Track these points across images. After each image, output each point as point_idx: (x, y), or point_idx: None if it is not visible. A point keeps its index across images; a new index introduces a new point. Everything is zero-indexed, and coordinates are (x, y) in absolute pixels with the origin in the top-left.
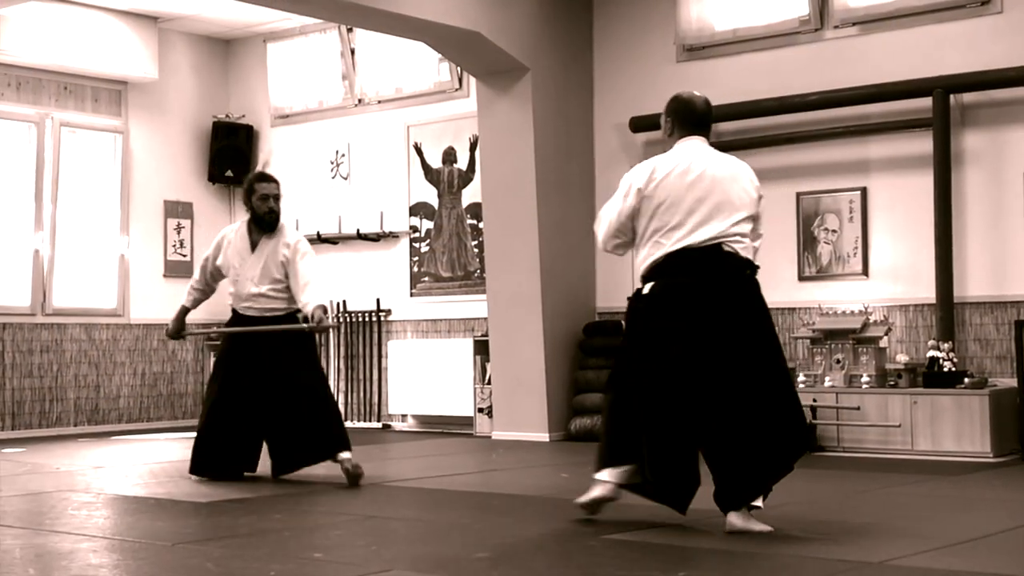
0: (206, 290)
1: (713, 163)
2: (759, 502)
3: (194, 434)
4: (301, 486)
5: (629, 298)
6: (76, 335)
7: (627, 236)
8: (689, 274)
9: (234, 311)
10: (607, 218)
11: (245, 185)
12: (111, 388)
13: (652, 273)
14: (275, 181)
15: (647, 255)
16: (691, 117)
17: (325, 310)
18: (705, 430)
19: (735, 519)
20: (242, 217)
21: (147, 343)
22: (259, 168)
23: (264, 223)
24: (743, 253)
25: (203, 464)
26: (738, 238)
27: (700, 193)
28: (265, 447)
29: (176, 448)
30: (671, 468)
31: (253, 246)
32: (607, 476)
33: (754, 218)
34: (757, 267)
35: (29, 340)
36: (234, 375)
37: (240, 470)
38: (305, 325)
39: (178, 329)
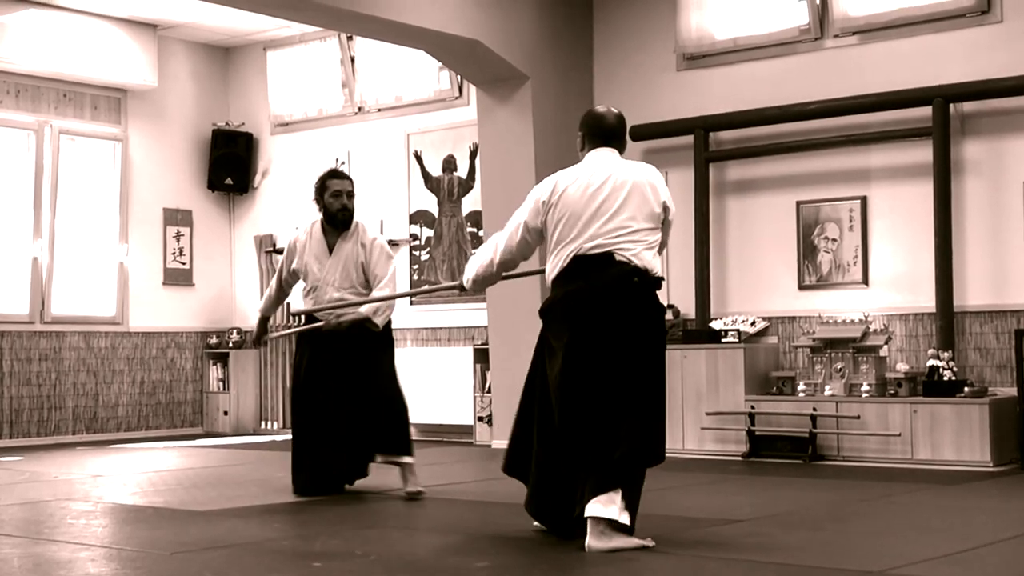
0: (281, 297)
1: (618, 172)
2: (623, 518)
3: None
4: (302, 495)
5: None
6: (75, 343)
7: (517, 254)
8: (579, 282)
9: (309, 316)
10: (499, 240)
11: (316, 183)
12: (110, 396)
13: (553, 284)
14: (348, 178)
15: (551, 267)
16: (600, 130)
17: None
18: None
19: (591, 540)
20: (305, 219)
21: (146, 351)
22: (259, 174)
23: (337, 221)
24: (635, 262)
25: (307, 483)
26: (630, 246)
27: (598, 203)
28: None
29: (175, 457)
30: (546, 487)
31: (330, 249)
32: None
33: (657, 228)
34: (654, 277)
35: (28, 348)
36: (318, 385)
37: (344, 482)
38: (323, 324)
39: (261, 335)
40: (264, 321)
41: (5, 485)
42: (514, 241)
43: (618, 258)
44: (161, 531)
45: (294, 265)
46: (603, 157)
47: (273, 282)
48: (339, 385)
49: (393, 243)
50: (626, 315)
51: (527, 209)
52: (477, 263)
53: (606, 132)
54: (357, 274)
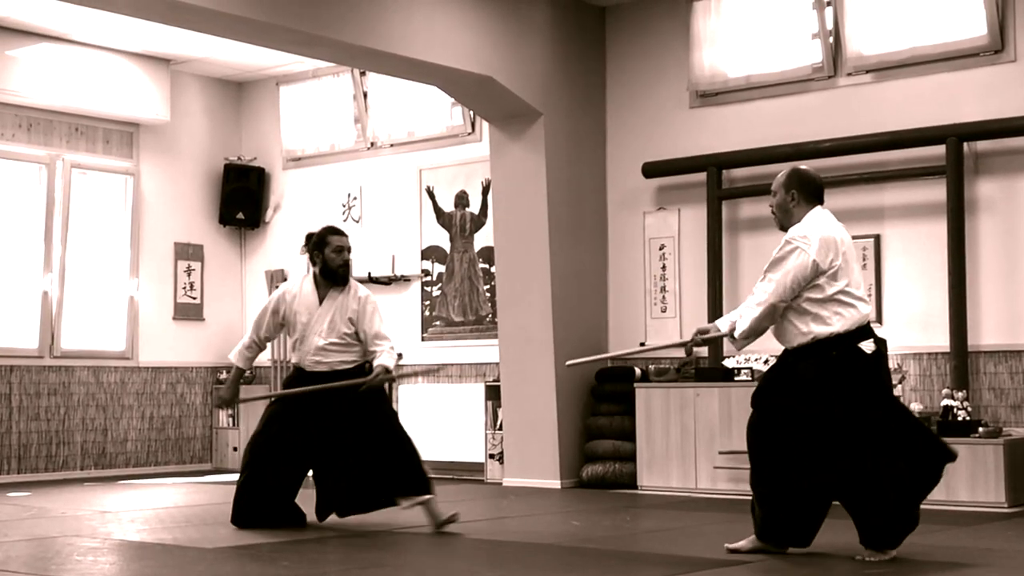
0: (260, 348)
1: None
2: None
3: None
4: (311, 532)
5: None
6: (84, 378)
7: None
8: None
9: (298, 369)
10: (768, 289)
11: (315, 239)
12: (119, 432)
13: (847, 337)
14: (346, 235)
15: (835, 314)
16: (818, 189)
17: (389, 371)
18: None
19: None
20: (296, 272)
21: (155, 386)
22: (271, 209)
23: (338, 276)
24: None
25: (246, 514)
26: None
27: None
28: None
29: (184, 493)
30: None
31: (321, 299)
32: None
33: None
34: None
35: (36, 383)
36: (288, 424)
37: (285, 518)
38: (360, 380)
39: (234, 395)
40: (241, 374)
41: (12, 521)
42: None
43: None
44: (169, 568)
45: (280, 314)
46: (830, 216)
47: (250, 332)
48: (317, 429)
49: (405, 279)
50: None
51: (808, 257)
52: (750, 315)
53: (820, 191)
54: (345, 326)
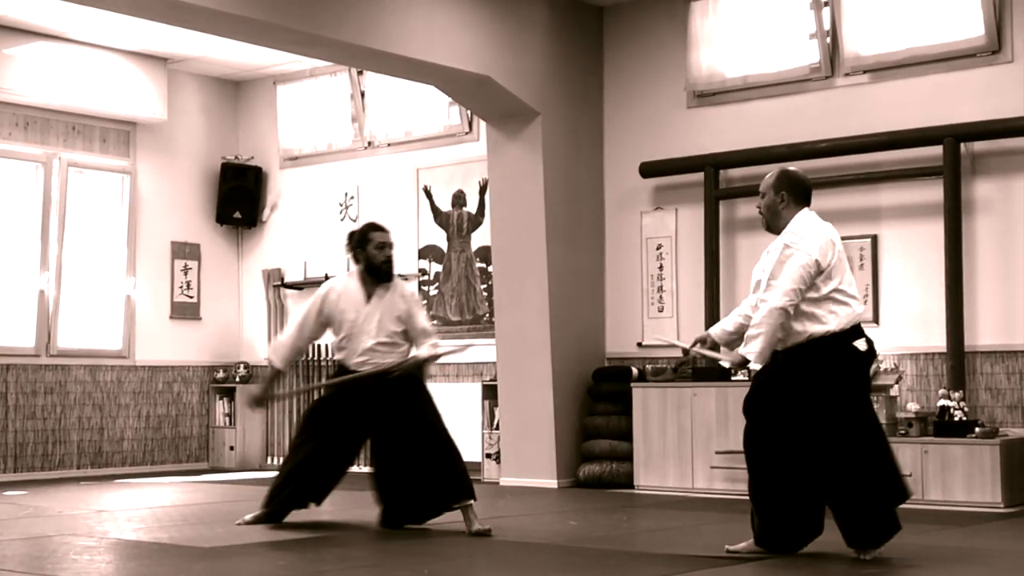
0: (302, 349)
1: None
2: None
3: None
4: (307, 531)
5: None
6: (80, 377)
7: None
8: (869, 345)
9: (342, 368)
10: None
11: (357, 236)
12: (115, 431)
13: (838, 337)
14: (388, 230)
15: (829, 313)
16: (807, 191)
17: (421, 360)
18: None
19: None
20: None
21: (152, 385)
22: (268, 208)
23: (381, 273)
24: None
25: (283, 506)
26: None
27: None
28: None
29: (180, 492)
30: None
31: (368, 297)
32: None
33: None
34: None
35: (33, 381)
36: (333, 422)
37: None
38: (391, 367)
39: (268, 396)
40: (278, 376)
41: (8, 520)
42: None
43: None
44: (165, 568)
45: (325, 313)
46: (818, 217)
47: (292, 331)
48: (363, 431)
49: (402, 278)
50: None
51: (810, 257)
52: (766, 334)
53: (809, 193)
54: (394, 324)
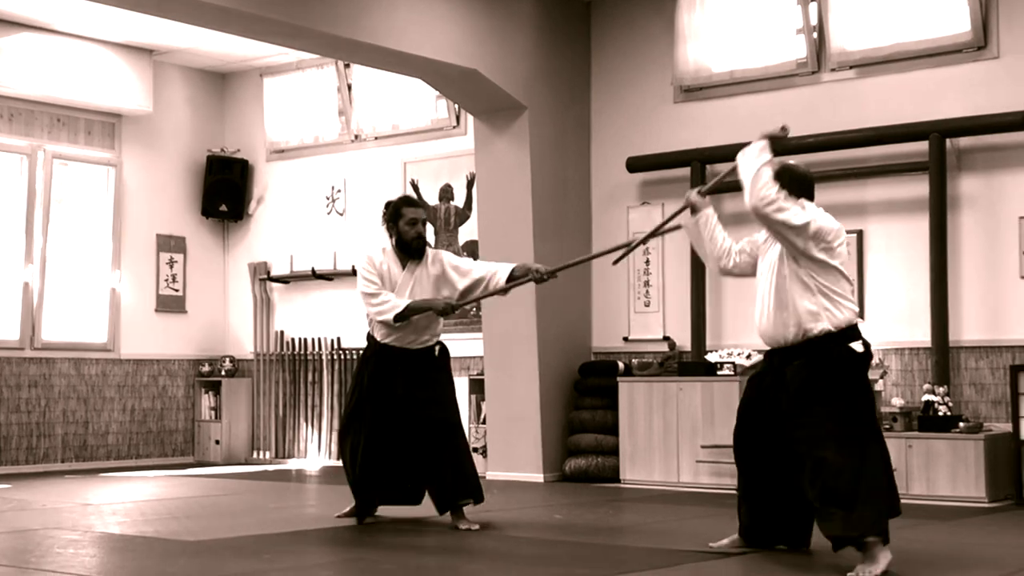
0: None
1: None
2: None
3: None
4: (293, 524)
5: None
6: (65, 370)
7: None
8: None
9: (375, 342)
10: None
11: (390, 210)
12: (100, 424)
13: (849, 331)
14: (421, 206)
15: (836, 307)
16: (810, 185)
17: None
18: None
19: None
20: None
21: (137, 379)
22: (254, 201)
23: (411, 249)
24: None
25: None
26: None
27: None
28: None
29: (165, 486)
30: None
31: (403, 266)
32: None
33: None
34: None
35: (17, 374)
36: (381, 410)
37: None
38: (531, 278)
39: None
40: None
41: None
42: None
43: None
44: (150, 561)
45: (380, 272)
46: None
47: (382, 295)
48: (406, 410)
49: None
50: None
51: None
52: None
53: (812, 188)
54: (434, 292)
